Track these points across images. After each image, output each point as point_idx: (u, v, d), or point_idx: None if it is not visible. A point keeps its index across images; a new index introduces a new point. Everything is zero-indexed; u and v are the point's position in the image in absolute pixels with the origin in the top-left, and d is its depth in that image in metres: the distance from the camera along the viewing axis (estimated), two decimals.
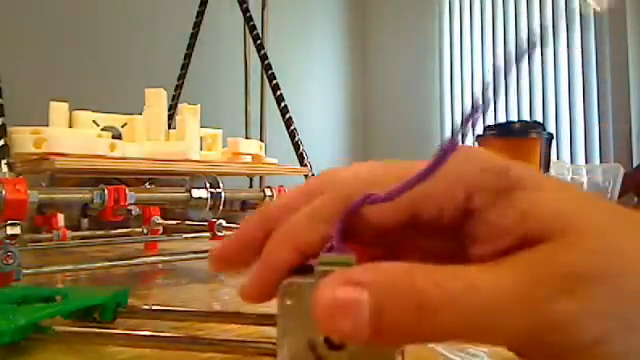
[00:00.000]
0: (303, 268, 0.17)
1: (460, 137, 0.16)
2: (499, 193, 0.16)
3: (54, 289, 0.30)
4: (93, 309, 0.26)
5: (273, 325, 0.17)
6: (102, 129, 0.49)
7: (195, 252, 0.46)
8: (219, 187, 0.40)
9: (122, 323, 0.27)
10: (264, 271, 0.18)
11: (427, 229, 0.17)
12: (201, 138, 0.56)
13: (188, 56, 0.76)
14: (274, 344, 0.17)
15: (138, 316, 0.28)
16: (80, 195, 0.35)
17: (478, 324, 0.14)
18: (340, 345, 0.16)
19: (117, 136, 0.49)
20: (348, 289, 0.14)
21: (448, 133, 3.04)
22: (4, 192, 0.30)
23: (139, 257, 0.43)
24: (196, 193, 0.39)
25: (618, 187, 0.74)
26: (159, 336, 0.23)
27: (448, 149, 0.16)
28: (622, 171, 0.75)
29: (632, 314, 0.14)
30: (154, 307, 0.28)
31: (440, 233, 0.17)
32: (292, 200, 0.19)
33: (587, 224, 0.15)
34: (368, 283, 0.14)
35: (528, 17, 2.73)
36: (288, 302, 0.16)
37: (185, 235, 0.65)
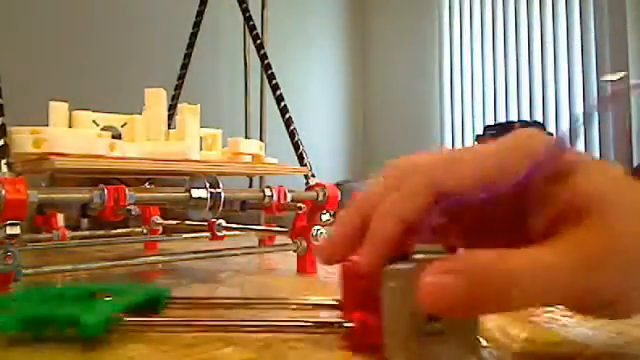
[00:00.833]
0: (398, 257, 0.20)
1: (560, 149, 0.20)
2: (556, 172, 0.20)
3: (90, 286, 0.32)
4: (148, 302, 0.29)
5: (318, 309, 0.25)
6: (102, 129, 0.49)
7: (195, 252, 0.46)
8: (219, 187, 0.40)
9: (173, 313, 0.29)
10: (375, 244, 0.21)
11: (490, 208, 0.20)
12: (201, 138, 0.56)
13: (188, 56, 0.76)
14: (332, 324, 0.24)
15: (182, 307, 0.30)
16: (80, 195, 0.35)
17: (543, 293, 0.18)
18: (437, 317, 0.19)
19: (117, 136, 0.49)
20: (448, 276, 0.18)
21: (448, 133, 3.04)
22: (4, 192, 0.30)
23: (139, 257, 0.43)
24: (196, 193, 0.39)
25: None
26: (223, 320, 0.26)
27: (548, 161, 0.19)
28: None
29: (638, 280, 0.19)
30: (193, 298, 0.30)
31: (502, 212, 0.21)
32: (378, 187, 0.24)
33: (621, 203, 0.19)
34: (462, 271, 0.18)
35: (528, 17, 2.73)
36: (392, 284, 0.20)
37: (185, 235, 0.65)
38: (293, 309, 0.29)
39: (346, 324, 0.24)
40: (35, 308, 0.27)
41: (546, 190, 0.20)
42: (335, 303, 0.28)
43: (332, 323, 0.25)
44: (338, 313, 0.27)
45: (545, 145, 0.20)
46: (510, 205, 0.20)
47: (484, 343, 0.21)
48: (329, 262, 0.23)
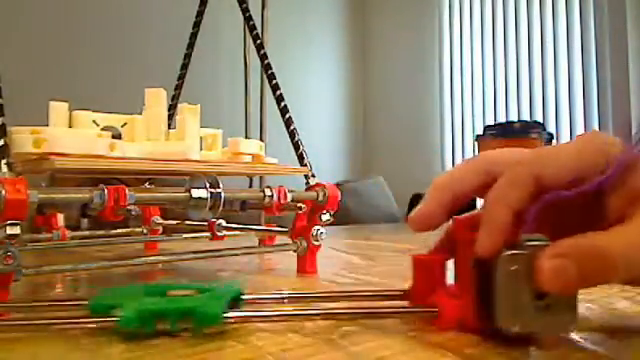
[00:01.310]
0: (510, 246, 0.24)
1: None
2: (629, 167, 0.24)
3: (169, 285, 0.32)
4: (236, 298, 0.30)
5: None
6: (102, 129, 0.49)
7: (195, 252, 0.46)
8: (219, 187, 0.40)
9: (249, 308, 0.31)
10: (492, 232, 0.25)
11: (576, 201, 0.24)
12: (201, 138, 0.56)
13: (188, 56, 0.76)
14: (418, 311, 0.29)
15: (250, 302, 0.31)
16: (80, 195, 0.35)
17: (628, 264, 0.22)
18: (544, 294, 0.24)
19: (117, 136, 0.49)
20: (561, 260, 0.22)
21: (448, 133, 3.03)
22: (4, 192, 0.30)
23: (139, 257, 0.43)
24: (196, 193, 0.39)
25: None
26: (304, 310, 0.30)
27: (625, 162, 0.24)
28: None
29: None
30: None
31: (583, 204, 0.25)
32: (466, 169, 0.28)
33: None
34: (569, 254, 0.22)
35: (528, 16, 2.73)
36: (512, 268, 0.24)
37: (185, 235, 0.65)
38: (360, 299, 0.33)
39: (432, 308, 0.28)
40: (149, 303, 0.27)
41: (621, 182, 0.24)
42: (399, 293, 0.31)
43: (419, 311, 0.29)
44: (402, 302, 0.31)
45: (620, 150, 0.25)
46: (590, 198, 0.25)
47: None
48: (420, 230, 0.28)
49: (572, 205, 0.25)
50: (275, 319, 0.29)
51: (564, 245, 0.23)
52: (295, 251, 0.49)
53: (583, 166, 0.25)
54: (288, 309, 0.30)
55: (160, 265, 0.52)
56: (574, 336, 0.26)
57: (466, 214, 0.29)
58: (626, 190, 0.24)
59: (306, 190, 0.49)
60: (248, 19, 0.63)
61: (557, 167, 0.25)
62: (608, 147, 0.25)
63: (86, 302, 0.29)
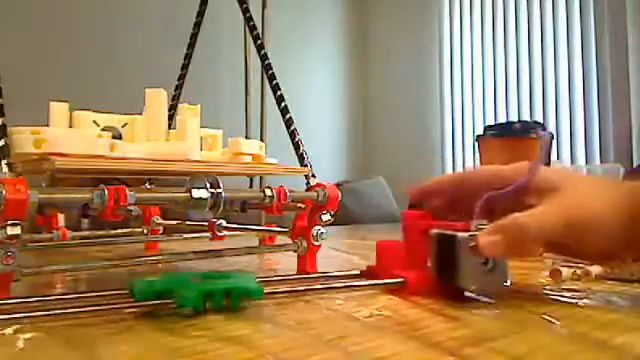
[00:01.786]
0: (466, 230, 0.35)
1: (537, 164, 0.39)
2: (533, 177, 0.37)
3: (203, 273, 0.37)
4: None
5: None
6: (102, 129, 0.49)
7: (196, 252, 0.46)
8: (219, 187, 0.40)
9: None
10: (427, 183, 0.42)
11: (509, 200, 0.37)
12: (201, 138, 0.56)
13: (188, 56, 0.76)
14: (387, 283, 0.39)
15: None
16: (80, 195, 0.35)
17: (543, 229, 0.34)
18: (487, 261, 0.35)
19: (117, 136, 0.49)
20: (491, 235, 0.34)
21: (448, 133, 3.03)
22: (4, 192, 0.30)
23: (139, 257, 0.43)
24: (196, 193, 0.39)
25: None
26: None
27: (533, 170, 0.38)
28: (622, 171, 0.75)
29: (574, 216, 0.35)
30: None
31: (511, 199, 0.37)
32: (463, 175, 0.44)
33: (566, 187, 0.36)
34: (497, 230, 0.34)
35: (528, 16, 2.73)
36: (470, 245, 0.35)
37: (185, 235, 0.65)
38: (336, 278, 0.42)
39: (399, 280, 0.38)
40: (200, 286, 0.32)
41: (534, 185, 0.37)
42: (358, 273, 0.43)
43: (391, 282, 0.38)
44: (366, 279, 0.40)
45: (529, 168, 0.38)
46: (517, 195, 0.37)
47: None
48: (415, 202, 0.41)
49: (506, 200, 0.37)
50: (292, 293, 0.36)
51: (494, 225, 0.35)
52: (295, 251, 0.49)
53: (502, 175, 0.39)
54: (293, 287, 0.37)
55: (160, 265, 0.52)
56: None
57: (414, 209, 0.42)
58: (536, 189, 0.36)
59: (306, 190, 0.49)
60: (248, 19, 0.63)
61: (502, 184, 0.38)
62: (524, 169, 0.38)
63: (124, 291, 0.33)
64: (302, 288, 0.37)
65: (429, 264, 0.38)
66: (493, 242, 0.34)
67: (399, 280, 0.38)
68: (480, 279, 0.35)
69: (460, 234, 0.35)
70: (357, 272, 0.43)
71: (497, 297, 0.37)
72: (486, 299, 0.36)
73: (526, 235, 0.34)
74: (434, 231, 0.38)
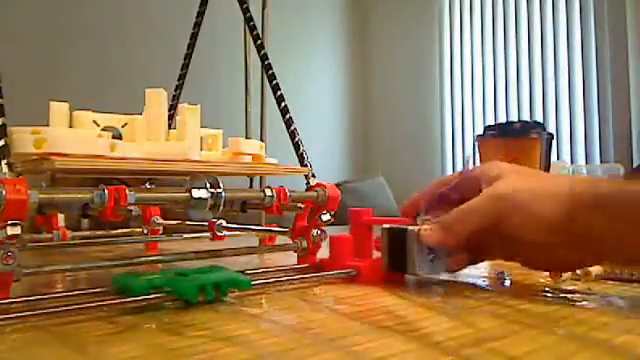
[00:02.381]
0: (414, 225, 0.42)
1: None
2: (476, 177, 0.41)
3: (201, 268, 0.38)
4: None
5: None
6: (102, 129, 0.49)
7: (196, 252, 0.46)
8: (219, 187, 0.40)
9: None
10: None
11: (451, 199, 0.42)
12: (202, 138, 0.56)
13: (188, 56, 0.76)
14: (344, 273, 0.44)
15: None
16: (80, 195, 0.35)
17: (470, 218, 0.39)
18: (432, 251, 0.41)
19: (117, 136, 0.49)
20: (433, 228, 0.40)
21: (448, 133, 3.03)
22: (4, 192, 0.30)
23: (139, 257, 0.43)
24: (196, 193, 0.39)
25: None
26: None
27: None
28: (622, 171, 0.75)
29: (505, 197, 0.38)
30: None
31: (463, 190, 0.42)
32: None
33: (509, 175, 0.39)
34: (435, 225, 0.40)
35: (528, 17, 2.73)
36: (417, 237, 0.40)
37: (185, 235, 0.65)
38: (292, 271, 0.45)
39: (352, 271, 0.43)
40: (196, 279, 0.34)
41: (486, 178, 0.40)
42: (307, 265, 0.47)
43: (345, 272, 0.43)
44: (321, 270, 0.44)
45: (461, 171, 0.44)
46: (468, 186, 0.41)
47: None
48: (405, 215, 0.45)
49: (458, 192, 0.42)
50: (275, 285, 0.40)
51: (436, 222, 0.40)
52: (295, 251, 0.49)
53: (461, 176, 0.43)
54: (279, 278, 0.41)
55: (160, 265, 0.52)
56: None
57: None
58: (487, 181, 0.39)
59: (306, 190, 0.49)
60: (248, 19, 0.63)
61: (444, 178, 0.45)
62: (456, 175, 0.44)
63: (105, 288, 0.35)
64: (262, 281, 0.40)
65: (376, 255, 0.45)
66: (430, 233, 0.40)
67: (351, 271, 0.43)
68: (427, 266, 0.41)
69: (410, 228, 0.41)
70: (307, 265, 0.47)
71: (497, 297, 0.37)
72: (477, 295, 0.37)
73: (447, 229, 0.39)
74: (385, 226, 0.43)
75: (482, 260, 0.44)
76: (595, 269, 0.44)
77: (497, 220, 0.37)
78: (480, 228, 0.38)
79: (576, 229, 0.35)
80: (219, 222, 0.56)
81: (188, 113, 0.52)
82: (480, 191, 0.39)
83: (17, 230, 0.31)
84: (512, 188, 0.37)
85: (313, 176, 0.52)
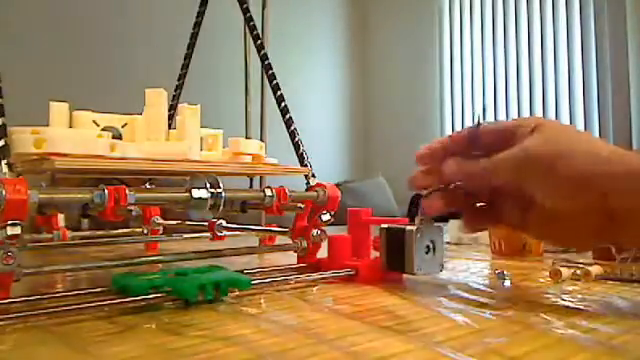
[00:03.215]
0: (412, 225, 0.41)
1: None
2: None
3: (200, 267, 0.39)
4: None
5: None
6: (102, 129, 0.49)
7: (196, 252, 0.46)
8: (219, 187, 0.40)
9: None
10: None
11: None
12: (201, 138, 0.56)
13: (188, 56, 0.76)
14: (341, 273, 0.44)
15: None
16: (80, 195, 0.35)
17: (504, 168, 0.35)
18: (429, 250, 0.42)
19: (117, 136, 0.49)
20: (459, 165, 0.38)
21: (448, 133, 3.03)
22: (4, 192, 0.30)
23: (140, 257, 0.43)
24: (196, 193, 0.39)
25: None
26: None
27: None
28: None
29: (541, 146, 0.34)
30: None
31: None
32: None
33: (544, 127, 0.35)
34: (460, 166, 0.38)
35: (528, 17, 2.72)
36: (416, 236, 0.41)
37: (185, 235, 0.65)
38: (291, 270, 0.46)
39: (351, 271, 0.43)
40: (196, 279, 0.35)
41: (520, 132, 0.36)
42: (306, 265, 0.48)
43: (344, 272, 0.44)
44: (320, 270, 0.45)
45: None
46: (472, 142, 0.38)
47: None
48: (417, 188, 0.42)
49: (482, 145, 0.37)
50: (274, 284, 0.41)
51: (462, 164, 0.37)
52: (295, 251, 0.49)
53: (503, 125, 0.37)
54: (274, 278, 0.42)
55: (160, 265, 0.52)
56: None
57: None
58: (519, 131, 0.36)
59: (306, 190, 0.49)
60: (248, 19, 0.63)
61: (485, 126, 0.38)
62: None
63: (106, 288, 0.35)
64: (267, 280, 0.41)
65: (373, 254, 0.45)
66: (451, 167, 0.37)
67: (350, 270, 0.43)
68: (425, 266, 0.41)
69: (408, 228, 0.41)
70: (304, 265, 0.48)
71: (497, 297, 0.37)
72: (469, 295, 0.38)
73: (479, 174, 0.36)
74: (384, 226, 0.43)
75: (495, 223, 0.42)
76: (595, 269, 0.44)
77: (520, 179, 0.34)
78: (504, 184, 0.36)
79: (608, 204, 0.32)
80: (219, 222, 0.56)
81: (188, 113, 0.52)
82: (512, 145, 0.35)
83: (17, 230, 0.31)
84: (546, 146, 0.33)
85: (313, 176, 0.52)
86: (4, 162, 0.34)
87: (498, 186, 0.37)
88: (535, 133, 0.34)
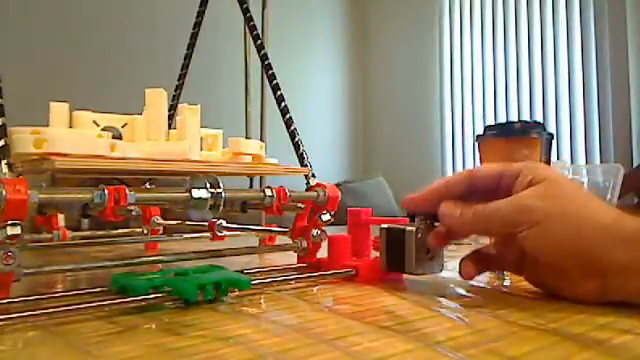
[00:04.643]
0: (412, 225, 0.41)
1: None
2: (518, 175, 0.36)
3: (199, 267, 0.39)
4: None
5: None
6: (102, 129, 0.49)
7: (196, 252, 0.46)
8: (219, 187, 0.40)
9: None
10: (428, 190, 0.40)
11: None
12: (201, 138, 0.56)
13: (188, 56, 0.76)
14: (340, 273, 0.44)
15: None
16: (80, 195, 0.35)
17: (494, 220, 0.36)
18: (429, 251, 0.41)
19: (117, 136, 0.49)
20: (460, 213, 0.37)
21: (448, 133, 3.03)
22: (4, 192, 0.30)
23: (140, 257, 0.43)
24: (196, 193, 0.39)
25: (618, 187, 0.74)
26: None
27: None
28: (622, 171, 0.75)
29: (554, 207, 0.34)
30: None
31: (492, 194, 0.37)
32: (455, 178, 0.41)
33: (535, 182, 0.35)
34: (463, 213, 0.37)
35: (528, 17, 2.73)
36: (417, 237, 0.41)
37: (185, 235, 0.65)
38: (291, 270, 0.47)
39: (351, 271, 0.43)
40: (196, 279, 0.35)
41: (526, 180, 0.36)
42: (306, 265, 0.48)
43: (344, 272, 0.44)
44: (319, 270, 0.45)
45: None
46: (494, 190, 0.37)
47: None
48: (408, 208, 0.42)
49: (479, 190, 0.38)
50: (274, 284, 0.41)
51: (461, 213, 0.37)
52: (295, 251, 0.49)
53: (502, 170, 0.37)
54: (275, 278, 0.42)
55: (160, 265, 0.52)
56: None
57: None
58: (519, 180, 0.36)
59: (306, 190, 0.49)
60: (248, 19, 0.63)
61: (485, 168, 0.39)
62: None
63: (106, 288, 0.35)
64: (266, 280, 0.41)
65: (373, 254, 0.45)
66: (438, 233, 0.40)
67: (350, 270, 0.44)
68: (424, 266, 0.41)
69: (408, 228, 0.41)
70: (305, 265, 0.48)
71: (497, 297, 0.37)
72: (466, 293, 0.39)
73: (477, 220, 0.36)
74: (384, 226, 0.43)
75: (496, 267, 0.43)
76: None
77: (515, 229, 0.34)
78: (499, 232, 0.38)
79: (608, 260, 0.33)
80: (219, 222, 0.56)
81: (188, 113, 0.52)
82: (510, 192, 0.36)
83: (17, 230, 0.31)
84: (541, 201, 0.34)
85: (313, 176, 0.52)
86: (4, 162, 0.34)
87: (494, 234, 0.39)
88: (534, 185, 0.35)
